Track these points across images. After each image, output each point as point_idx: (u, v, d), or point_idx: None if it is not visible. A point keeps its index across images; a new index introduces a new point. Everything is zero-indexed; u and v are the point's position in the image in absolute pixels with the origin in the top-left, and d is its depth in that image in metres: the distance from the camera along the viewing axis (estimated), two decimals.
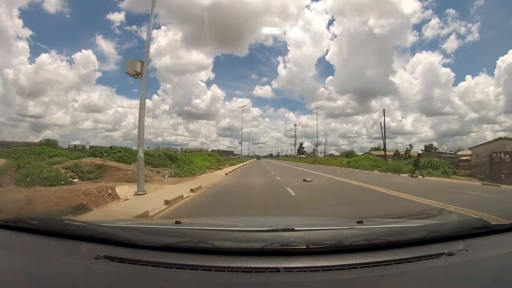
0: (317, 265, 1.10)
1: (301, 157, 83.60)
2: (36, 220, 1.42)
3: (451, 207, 6.31)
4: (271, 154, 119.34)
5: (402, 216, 2.86)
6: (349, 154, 52.23)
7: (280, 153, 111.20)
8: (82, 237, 1.30)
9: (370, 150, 56.96)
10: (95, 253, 1.15)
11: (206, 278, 1.03)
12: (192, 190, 9.33)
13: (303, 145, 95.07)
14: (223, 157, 52.18)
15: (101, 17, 68.60)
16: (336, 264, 1.11)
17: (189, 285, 1.00)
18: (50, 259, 1.17)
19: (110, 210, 6.08)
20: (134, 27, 74.02)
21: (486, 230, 1.45)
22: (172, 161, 21.65)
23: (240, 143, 48.53)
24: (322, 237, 1.35)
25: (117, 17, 70.24)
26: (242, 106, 51.27)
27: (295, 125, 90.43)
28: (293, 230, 1.32)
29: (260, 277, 1.04)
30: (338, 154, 62.77)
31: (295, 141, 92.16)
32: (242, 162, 50.01)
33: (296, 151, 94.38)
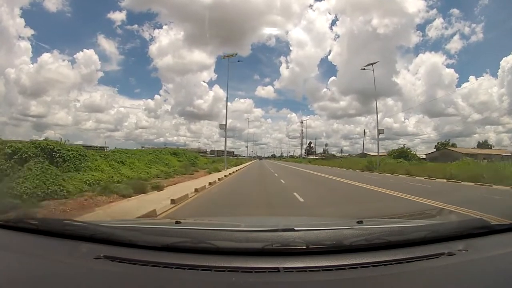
0: (317, 265, 1.10)
1: (315, 158, 71.16)
2: (36, 220, 1.42)
3: None
4: (274, 154, 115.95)
5: (402, 216, 2.85)
6: (402, 153, 34.06)
7: (284, 153, 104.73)
8: (82, 237, 1.30)
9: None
10: (95, 253, 1.15)
11: (206, 278, 1.03)
12: None
13: (312, 144, 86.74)
14: (209, 159, 38.25)
15: (103, 16, 68.83)
16: (336, 264, 1.11)
17: (189, 285, 1.00)
18: (50, 259, 1.17)
19: None
20: (136, 26, 74.29)
21: (486, 230, 1.45)
22: (60, 164, 10.24)
23: (224, 127, 30.75)
24: (322, 237, 1.35)
25: (118, 16, 70.28)
26: (230, 55, 31.46)
27: (302, 122, 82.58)
28: (293, 230, 1.32)
29: (260, 277, 1.04)
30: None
31: (301, 140, 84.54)
32: (235, 165, 33.39)
33: (304, 151, 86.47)
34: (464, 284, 1.06)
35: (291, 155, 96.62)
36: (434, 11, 64.30)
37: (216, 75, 73.59)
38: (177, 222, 1.65)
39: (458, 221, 1.89)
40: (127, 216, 5.75)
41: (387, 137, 73.68)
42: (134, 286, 1.01)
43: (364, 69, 34.92)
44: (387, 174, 22.86)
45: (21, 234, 1.38)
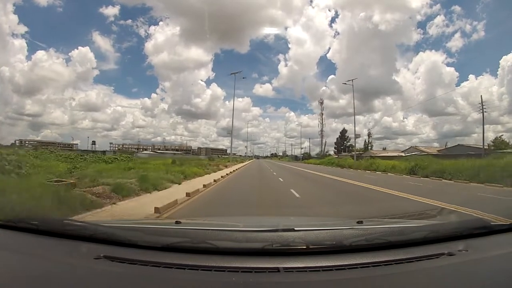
0: (317, 265, 1.10)
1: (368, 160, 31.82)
2: (37, 220, 1.42)
3: None
4: (274, 154, 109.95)
5: (402, 216, 2.86)
6: None
7: (286, 152, 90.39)
8: (82, 237, 1.30)
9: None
10: (95, 253, 1.15)
11: (206, 278, 1.03)
12: None
13: (346, 134, 62.30)
14: (186, 158, 32.16)
15: (97, 12, 68.64)
16: (336, 264, 1.11)
17: (189, 285, 1.00)
18: (50, 259, 1.17)
19: None
20: (130, 21, 74.23)
21: (486, 230, 1.45)
22: None
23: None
24: (322, 237, 1.35)
25: (112, 11, 70.13)
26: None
27: (321, 102, 64.41)
28: (293, 230, 1.32)
29: (260, 277, 1.04)
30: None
31: (321, 131, 64.76)
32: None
33: (334, 147, 64.57)
34: (464, 284, 1.05)
35: (305, 153, 74.90)
36: (437, 6, 64.25)
37: (214, 74, 73.37)
38: (177, 222, 1.65)
39: (458, 221, 1.90)
40: None
41: (385, 136, 73.34)
42: (134, 286, 1.00)
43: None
44: None
45: (21, 234, 1.38)
